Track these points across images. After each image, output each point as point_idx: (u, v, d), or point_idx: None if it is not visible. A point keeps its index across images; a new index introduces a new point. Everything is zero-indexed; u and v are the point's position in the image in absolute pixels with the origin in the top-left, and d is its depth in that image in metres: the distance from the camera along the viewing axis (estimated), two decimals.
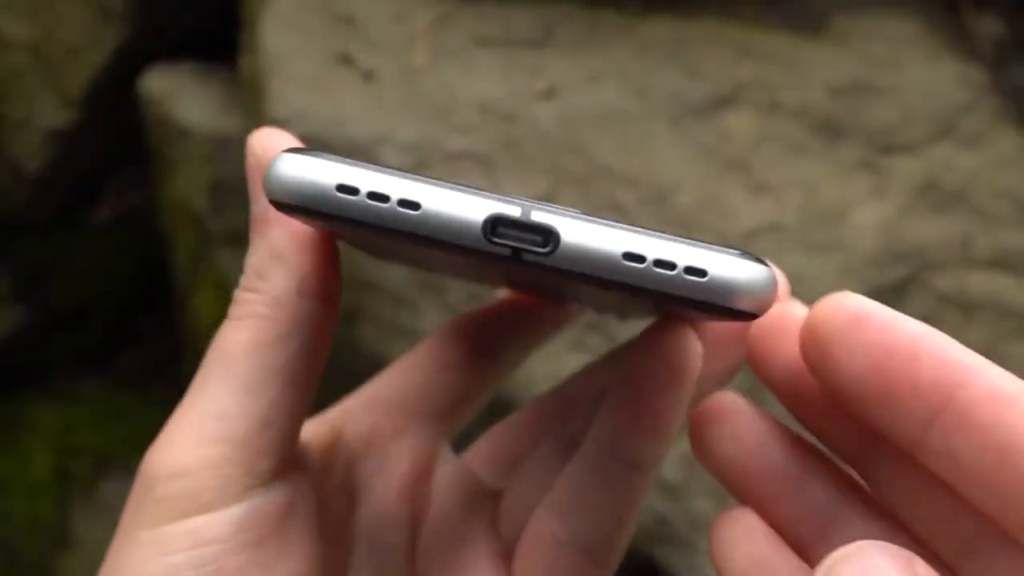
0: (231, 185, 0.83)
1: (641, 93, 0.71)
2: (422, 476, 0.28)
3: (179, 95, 0.85)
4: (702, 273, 0.17)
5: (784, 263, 0.65)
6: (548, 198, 0.65)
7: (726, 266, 0.17)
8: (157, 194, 0.93)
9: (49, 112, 0.92)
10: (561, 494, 0.25)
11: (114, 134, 0.98)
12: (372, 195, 0.18)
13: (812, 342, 0.20)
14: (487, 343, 0.30)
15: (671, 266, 0.18)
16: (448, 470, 0.29)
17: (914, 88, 0.73)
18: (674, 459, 0.62)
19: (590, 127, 0.68)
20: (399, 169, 0.18)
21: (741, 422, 0.23)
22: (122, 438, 0.97)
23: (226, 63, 0.86)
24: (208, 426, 0.23)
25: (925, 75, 0.74)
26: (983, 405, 0.18)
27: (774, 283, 0.18)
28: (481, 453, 0.30)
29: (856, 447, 0.21)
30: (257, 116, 0.72)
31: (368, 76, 0.70)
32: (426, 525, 0.28)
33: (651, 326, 0.25)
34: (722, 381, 0.26)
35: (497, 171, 0.66)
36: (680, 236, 0.18)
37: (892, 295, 0.65)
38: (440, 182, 0.18)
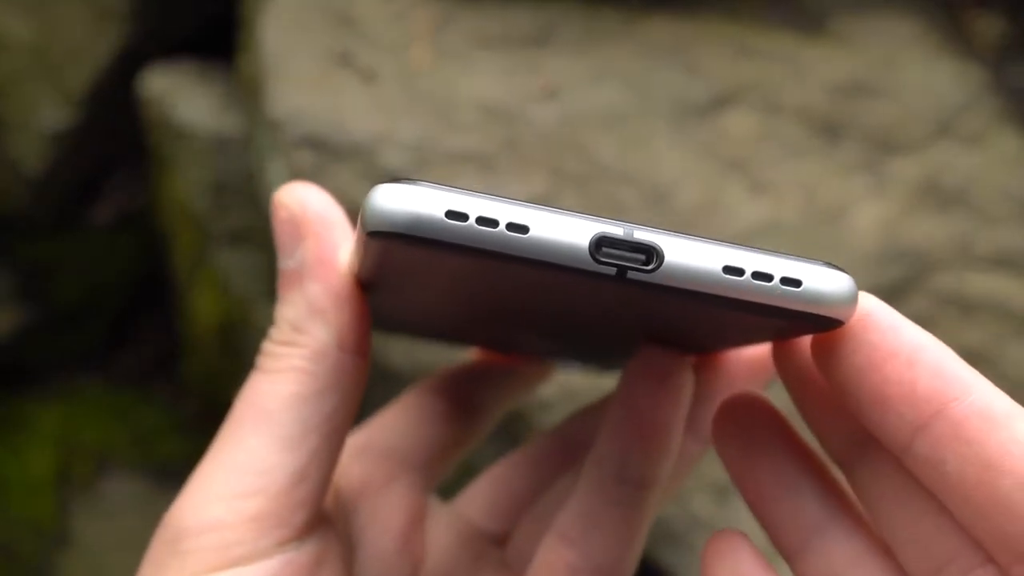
0: (231, 185, 0.83)
1: (641, 93, 0.71)
2: (415, 525, 0.29)
3: (179, 95, 0.85)
4: (797, 283, 0.19)
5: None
6: (548, 198, 0.65)
7: (818, 277, 0.19)
8: (157, 194, 0.93)
9: (49, 113, 0.92)
10: (570, 521, 0.25)
11: (114, 134, 0.98)
12: (481, 220, 0.18)
13: (821, 342, 0.21)
14: (469, 397, 0.31)
15: (768, 277, 0.18)
16: (441, 518, 0.29)
17: (914, 88, 0.73)
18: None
19: (590, 127, 0.68)
20: (493, 194, 0.19)
21: (757, 420, 0.23)
22: (122, 438, 0.97)
23: (226, 63, 0.86)
24: (244, 479, 0.23)
25: (925, 75, 0.74)
26: (974, 421, 0.18)
27: (856, 292, 0.19)
28: (479, 498, 0.30)
29: (847, 449, 0.22)
30: (257, 116, 0.72)
31: (368, 76, 0.70)
32: (427, 572, 0.28)
33: (644, 354, 0.25)
34: None
35: (497, 171, 0.66)
36: (770, 250, 0.19)
37: (892, 295, 0.65)
38: (544, 206, 0.19)
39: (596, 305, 0.22)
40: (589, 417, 0.30)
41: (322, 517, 0.24)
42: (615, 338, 0.27)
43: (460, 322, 0.30)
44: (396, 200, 0.18)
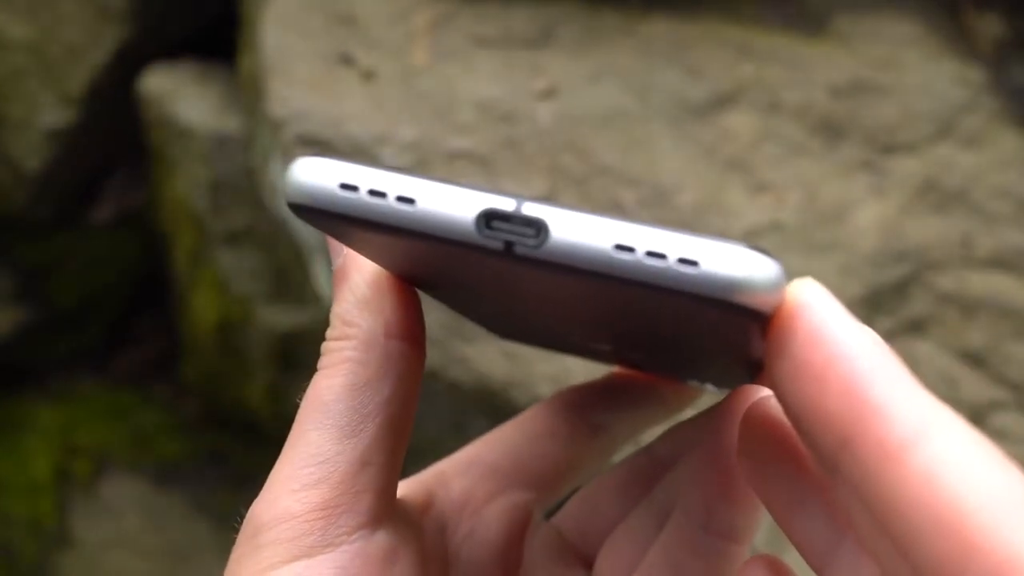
0: (231, 185, 0.83)
1: (641, 93, 0.71)
2: (514, 540, 0.28)
3: (179, 95, 0.85)
4: (693, 263, 0.17)
5: (784, 263, 0.65)
6: (548, 198, 0.65)
7: (722, 256, 0.16)
8: (157, 194, 0.93)
9: (49, 112, 0.92)
10: (658, 564, 0.25)
11: (114, 134, 0.98)
12: (371, 192, 0.18)
13: (770, 334, 0.18)
14: (596, 417, 0.30)
15: (662, 256, 0.17)
16: (540, 535, 0.29)
17: (914, 88, 0.73)
18: None
19: (590, 127, 0.68)
20: (401, 169, 0.19)
21: (769, 438, 0.22)
22: (122, 438, 0.97)
23: (226, 63, 0.86)
24: (307, 470, 0.23)
25: (925, 75, 0.74)
26: (875, 453, 0.16)
27: (778, 277, 0.17)
28: (571, 516, 0.30)
29: (821, 464, 0.20)
30: (257, 116, 0.72)
31: (368, 76, 0.70)
32: None
33: (729, 394, 0.24)
34: None
35: (497, 171, 0.66)
36: (682, 229, 0.17)
37: (892, 295, 0.65)
38: (437, 179, 0.18)
39: (554, 296, 0.21)
40: (676, 437, 0.29)
41: (395, 511, 0.25)
42: (679, 351, 0.25)
43: (517, 322, 0.29)
44: (303, 174, 0.19)
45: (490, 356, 0.64)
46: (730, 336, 0.20)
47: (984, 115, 0.73)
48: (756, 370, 0.23)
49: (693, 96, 0.71)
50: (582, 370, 0.55)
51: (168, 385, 1.01)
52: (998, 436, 0.62)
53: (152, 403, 0.99)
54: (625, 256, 0.17)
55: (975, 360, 0.64)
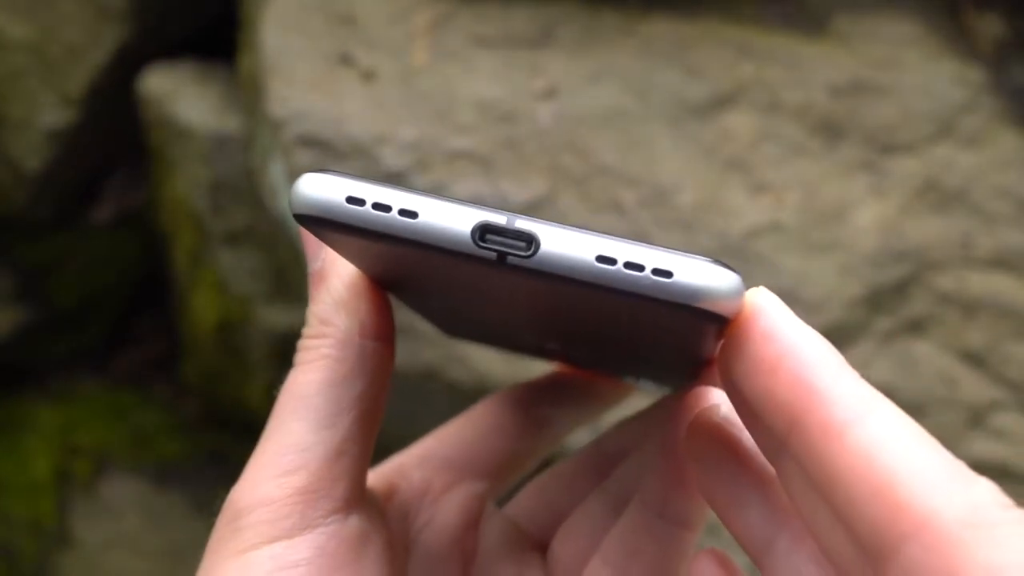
0: (231, 185, 0.83)
1: (641, 93, 0.71)
2: (470, 528, 0.30)
3: (179, 95, 0.85)
4: (668, 274, 0.19)
5: (784, 263, 0.65)
6: (548, 198, 0.65)
7: (691, 269, 0.19)
8: (157, 194, 0.93)
9: (49, 112, 0.92)
10: (615, 549, 0.27)
11: (114, 134, 0.98)
12: (376, 205, 0.20)
13: (728, 336, 0.21)
14: (541, 412, 0.32)
15: (639, 267, 0.19)
16: (494, 522, 0.31)
17: (914, 88, 0.73)
18: None
19: (590, 127, 0.68)
20: (402, 185, 0.20)
21: (712, 439, 0.24)
22: (122, 438, 0.97)
23: (226, 63, 0.86)
24: (287, 458, 0.25)
25: (925, 75, 0.74)
26: (818, 434, 0.18)
27: (738, 287, 0.19)
28: (525, 505, 0.32)
29: (769, 453, 0.22)
30: (257, 116, 0.72)
31: (368, 76, 0.70)
32: (475, 572, 0.30)
33: (689, 391, 0.27)
34: None
35: (496, 171, 0.66)
36: (656, 245, 0.20)
37: (892, 295, 0.65)
38: (436, 195, 0.20)
39: (529, 302, 0.23)
40: (625, 432, 0.32)
41: (365, 497, 0.26)
42: (636, 355, 0.28)
43: (466, 320, 0.31)
44: (309, 187, 0.21)
45: (490, 356, 0.64)
46: (687, 338, 0.22)
47: (984, 115, 0.73)
48: (700, 369, 0.27)
49: (693, 96, 0.71)
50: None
51: (168, 385, 1.01)
52: (998, 436, 0.62)
53: (152, 403, 0.99)
54: (606, 267, 0.19)
55: (975, 360, 0.64)
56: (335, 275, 0.26)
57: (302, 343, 0.26)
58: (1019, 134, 0.72)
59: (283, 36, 0.71)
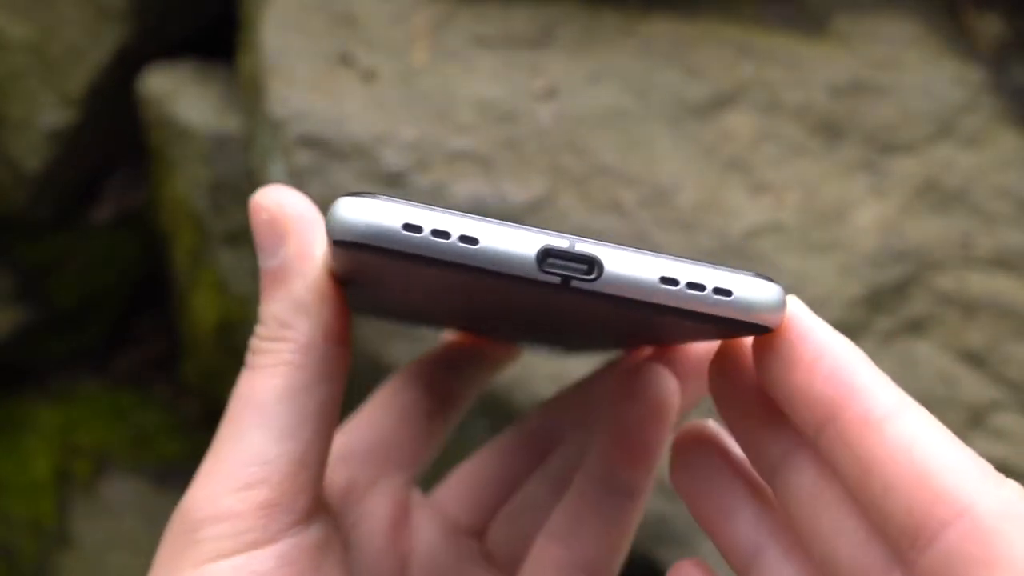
0: (231, 185, 0.83)
1: (641, 93, 0.71)
2: (401, 521, 0.30)
3: (179, 95, 0.85)
4: (728, 293, 0.20)
5: (784, 263, 0.65)
6: (548, 198, 0.65)
7: (748, 287, 0.20)
8: (157, 194, 0.93)
9: (49, 112, 0.92)
10: (561, 524, 0.28)
11: (114, 134, 0.98)
12: (435, 232, 0.19)
13: (757, 344, 0.22)
14: (444, 386, 0.32)
15: (701, 287, 0.20)
16: (425, 513, 0.31)
17: (914, 88, 0.73)
18: None
19: (590, 127, 0.68)
20: (455, 209, 0.20)
21: (702, 451, 0.25)
22: (122, 438, 0.97)
23: (226, 63, 0.86)
24: (248, 470, 0.24)
25: (925, 75, 0.74)
26: (856, 426, 0.20)
27: (783, 301, 0.21)
28: (455, 492, 0.32)
29: (768, 467, 0.23)
30: (257, 116, 0.72)
31: (368, 76, 0.70)
32: (415, 568, 0.30)
33: (629, 367, 0.27)
34: (686, 410, 0.28)
35: (496, 171, 0.66)
36: (708, 262, 0.20)
37: (892, 295, 0.65)
38: (493, 220, 0.20)
39: (551, 307, 0.23)
40: (553, 410, 0.32)
41: (322, 504, 0.26)
42: (579, 332, 0.28)
43: (430, 311, 0.31)
44: (357, 212, 0.20)
45: None
46: (687, 335, 0.24)
47: (984, 115, 0.73)
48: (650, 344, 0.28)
49: (693, 96, 0.71)
50: (580, 369, 0.55)
51: (168, 385, 1.01)
52: (998, 436, 0.62)
53: (152, 403, 0.99)
54: (669, 288, 0.20)
55: (975, 360, 0.64)
56: (297, 275, 0.25)
57: (257, 344, 0.25)
58: (1019, 134, 0.72)
59: (283, 36, 0.71)
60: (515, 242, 0.20)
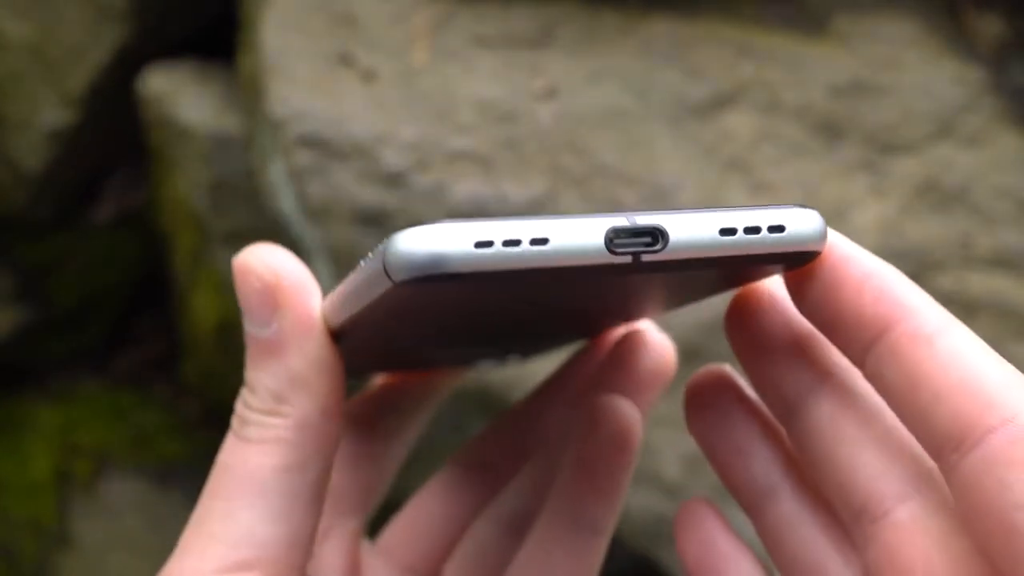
0: (231, 185, 0.83)
1: (641, 93, 0.71)
2: (354, 571, 0.29)
3: (179, 95, 0.85)
4: (781, 228, 0.20)
5: None
6: (548, 198, 0.65)
7: (797, 219, 0.21)
8: (157, 194, 0.93)
9: (49, 112, 0.92)
10: (529, 566, 0.27)
11: (114, 134, 0.98)
12: (507, 242, 0.19)
13: (796, 274, 0.23)
14: (386, 427, 0.31)
15: (756, 230, 0.20)
16: (376, 561, 0.30)
17: (914, 88, 0.73)
18: (674, 459, 0.62)
19: (590, 127, 0.68)
20: (509, 213, 0.19)
21: (718, 393, 0.25)
22: (122, 438, 0.97)
23: (226, 63, 0.86)
24: (240, 552, 0.23)
25: (925, 75, 0.74)
26: (904, 340, 0.21)
27: (826, 226, 0.21)
28: (401, 537, 0.31)
29: (785, 408, 0.23)
30: (257, 116, 0.72)
31: (368, 76, 0.70)
32: None
33: (596, 401, 0.27)
34: (645, 410, 0.28)
35: (496, 171, 0.66)
36: (748, 205, 0.21)
37: None
38: (550, 215, 0.20)
39: (583, 294, 0.23)
40: (492, 443, 0.31)
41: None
42: (569, 319, 0.28)
43: (419, 347, 0.30)
44: (421, 243, 0.19)
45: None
46: (724, 285, 0.24)
47: (984, 115, 0.73)
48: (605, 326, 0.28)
49: (693, 96, 0.71)
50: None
51: (168, 385, 1.01)
52: None
53: (152, 403, 0.99)
54: (729, 238, 0.20)
55: None
56: (294, 348, 0.24)
57: (248, 415, 0.24)
58: (1019, 134, 0.72)
59: (283, 36, 0.71)
60: (583, 232, 0.19)
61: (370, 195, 0.66)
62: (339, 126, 0.67)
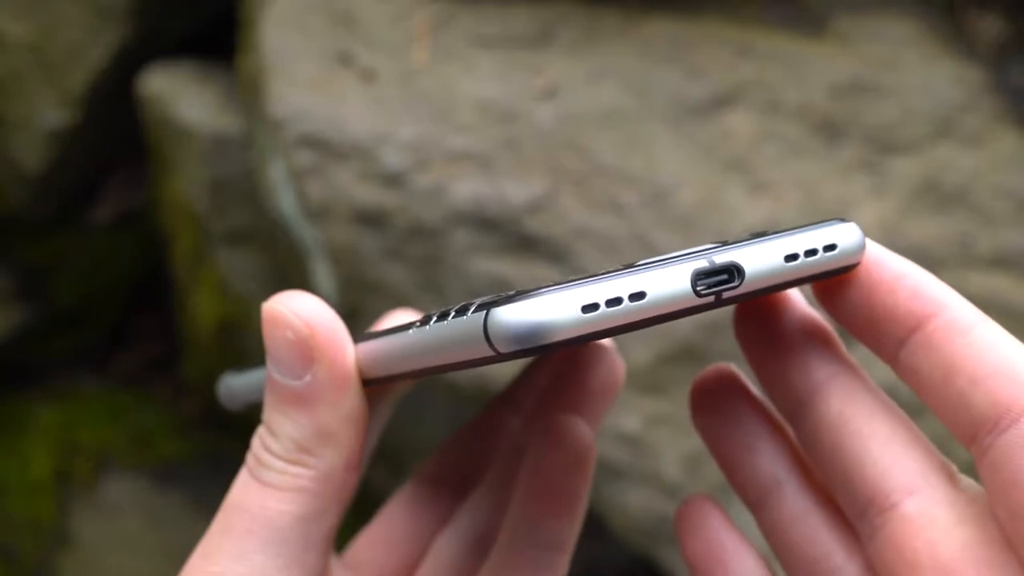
0: (231, 185, 0.83)
1: (641, 93, 0.71)
2: None
3: (179, 95, 0.85)
4: (833, 247, 0.22)
5: None
6: (548, 198, 0.65)
7: (843, 235, 0.22)
8: (157, 194, 0.94)
9: (49, 112, 0.92)
10: None
11: (114, 134, 0.98)
12: (609, 302, 0.19)
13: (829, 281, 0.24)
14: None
15: (814, 252, 0.21)
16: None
17: (914, 88, 0.73)
18: (674, 459, 0.62)
19: (590, 127, 0.68)
20: (593, 272, 0.20)
21: (724, 391, 0.26)
22: (122, 438, 0.97)
23: (226, 63, 0.86)
24: None
25: (925, 75, 0.74)
26: (940, 331, 0.22)
27: (864, 237, 0.22)
28: (369, 555, 0.30)
29: (793, 407, 0.24)
30: (257, 116, 0.72)
31: (368, 76, 0.70)
32: None
33: (551, 421, 0.27)
34: (600, 417, 0.29)
35: (496, 171, 0.66)
36: (796, 228, 0.22)
37: None
38: (638, 266, 0.20)
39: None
40: (451, 457, 0.31)
41: None
42: None
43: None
44: (527, 316, 0.19)
45: None
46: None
47: (984, 115, 0.73)
48: None
49: (693, 96, 0.71)
50: None
51: (168, 385, 1.01)
52: None
53: (152, 403, 0.99)
54: (793, 264, 0.21)
55: None
56: (327, 403, 0.24)
57: (268, 460, 0.24)
58: (1019, 134, 0.72)
59: (283, 36, 0.71)
60: (672, 280, 0.20)
61: (370, 195, 0.66)
62: (339, 126, 0.67)
